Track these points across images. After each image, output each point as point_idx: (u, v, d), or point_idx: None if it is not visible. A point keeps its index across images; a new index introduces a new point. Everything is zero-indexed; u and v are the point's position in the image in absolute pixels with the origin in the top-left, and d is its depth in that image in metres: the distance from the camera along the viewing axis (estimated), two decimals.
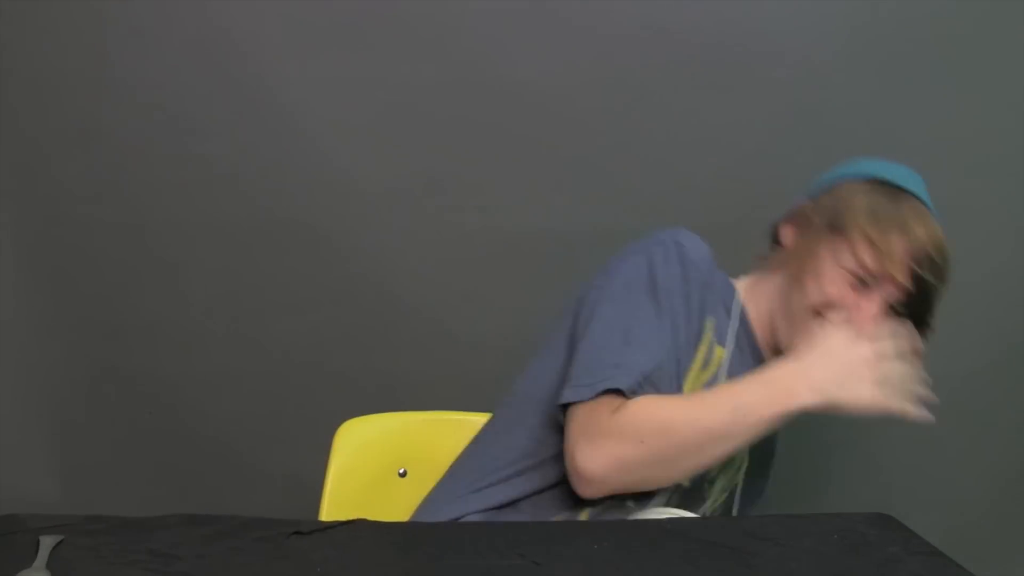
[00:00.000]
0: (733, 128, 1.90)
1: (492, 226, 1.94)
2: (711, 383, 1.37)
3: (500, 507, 1.33)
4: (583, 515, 1.29)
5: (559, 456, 1.28)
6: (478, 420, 1.53)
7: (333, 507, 1.45)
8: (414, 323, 1.99)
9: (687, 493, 1.36)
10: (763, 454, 1.52)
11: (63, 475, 2.00)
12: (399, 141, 1.89)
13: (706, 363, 1.37)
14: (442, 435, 1.54)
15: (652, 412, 1.23)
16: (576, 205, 1.94)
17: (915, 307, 1.39)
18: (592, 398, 1.23)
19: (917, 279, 1.36)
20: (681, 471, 1.29)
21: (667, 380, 1.31)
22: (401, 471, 1.49)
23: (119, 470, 2.00)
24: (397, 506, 1.43)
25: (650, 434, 1.21)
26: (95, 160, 1.88)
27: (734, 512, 1.47)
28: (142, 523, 1.05)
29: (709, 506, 1.42)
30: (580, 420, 1.24)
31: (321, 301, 1.97)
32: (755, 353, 1.45)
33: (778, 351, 1.41)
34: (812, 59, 1.87)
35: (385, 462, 1.50)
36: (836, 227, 1.39)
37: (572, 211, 1.94)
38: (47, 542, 0.98)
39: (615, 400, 1.23)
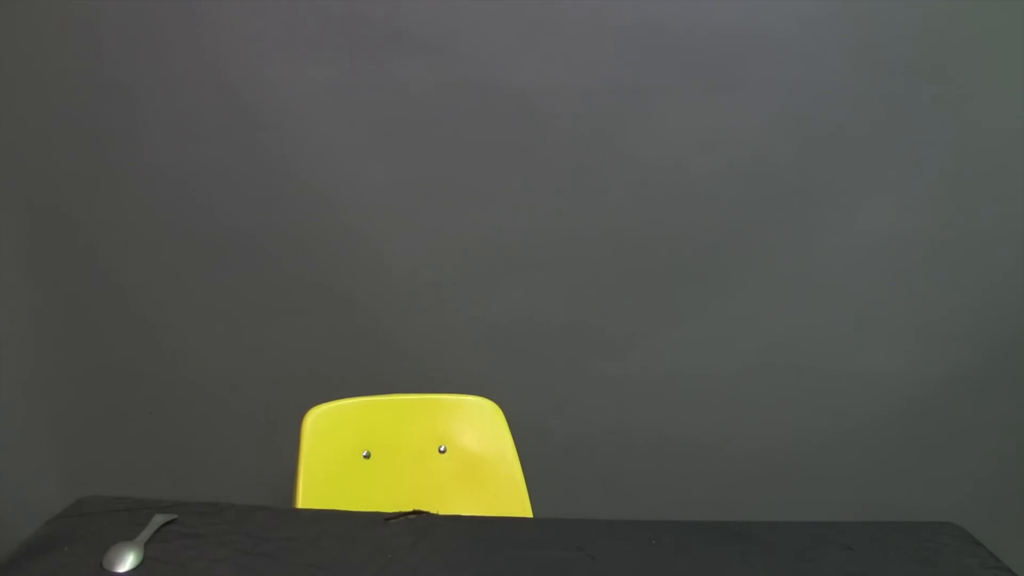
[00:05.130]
0: (732, 130, 1.87)
1: (491, 229, 1.95)
2: None
3: None
4: None
5: None
6: (437, 400, 1.60)
7: (308, 489, 1.48)
8: (405, 323, 2.01)
9: None
10: None
11: (62, 473, 2.02)
12: (396, 146, 1.90)
13: None
14: (402, 417, 1.60)
15: None
16: (573, 207, 1.93)
17: None
18: None
19: None
20: None
21: None
22: (365, 453, 1.55)
23: (119, 468, 2.03)
24: (365, 485, 1.50)
25: None
26: (96, 162, 1.91)
27: None
28: (252, 509, 1.16)
29: None
30: None
31: (316, 302, 1.99)
32: None
33: None
34: (811, 61, 1.82)
35: (351, 445, 1.56)
36: None
37: (569, 213, 1.94)
38: (158, 520, 1.11)
39: None
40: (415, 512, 1.18)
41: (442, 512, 1.19)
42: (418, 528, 1.13)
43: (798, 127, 1.86)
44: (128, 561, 1.00)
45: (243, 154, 1.89)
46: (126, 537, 1.05)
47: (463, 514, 1.20)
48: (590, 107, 1.86)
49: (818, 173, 1.89)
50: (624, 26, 1.81)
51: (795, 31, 1.81)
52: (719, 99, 1.84)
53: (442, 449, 1.58)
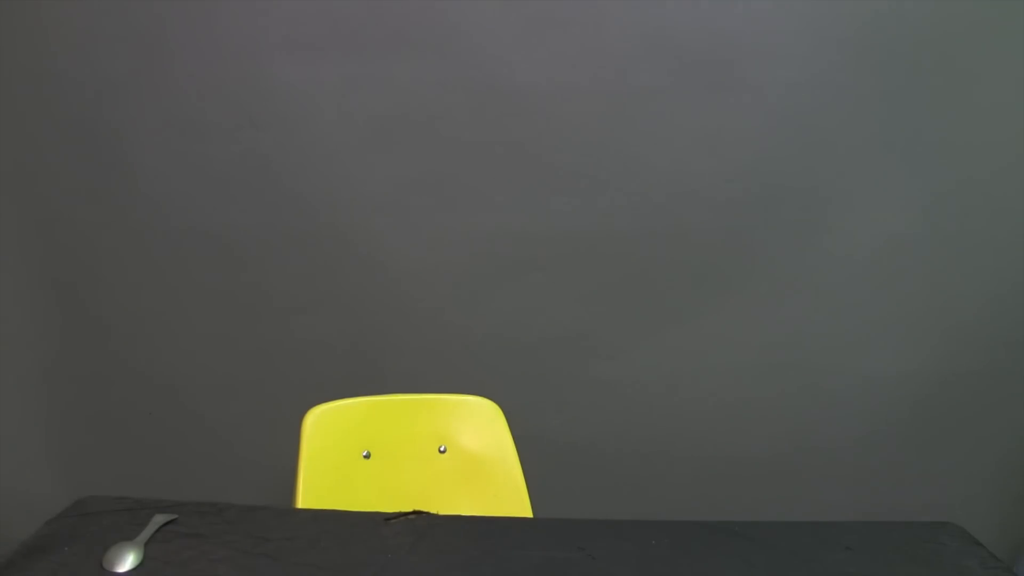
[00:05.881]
0: (732, 131, 1.87)
1: (491, 229, 1.95)
2: None
3: None
4: None
5: None
6: (437, 400, 1.60)
7: (308, 489, 1.48)
8: (405, 323, 2.01)
9: None
10: None
11: (62, 473, 2.04)
12: (396, 146, 1.91)
13: None
14: (402, 417, 1.61)
15: None
16: (573, 208, 1.94)
17: None
18: None
19: None
20: None
21: None
22: (365, 453, 1.56)
23: (119, 468, 2.04)
24: (365, 485, 1.51)
25: None
26: (96, 162, 1.92)
27: None
28: (252, 509, 1.16)
29: None
30: None
31: (316, 302, 2.00)
32: None
33: None
34: (810, 61, 1.82)
35: (351, 445, 1.56)
36: None
37: (569, 214, 1.94)
38: (158, 520, 1.10)
39: None
40: (415, 512, 1.18)
41: (442, 512, 1.19)
42: (418, 528, 1.13)
43: (798, 128, 1.86)
44: (128, 561, 1.00)
45: (242, 154, 1.89)
46: (126, 537, 1.05)
47: (463, 514, 1.20)
48: (590, 107, 1.86)
49: (818, 174, 1.89)
50: (624, 26, 1.81)
51: (795, 31, 1.81)
52: (719, 100, 1.84)
53: (442, 449, 1.58)
